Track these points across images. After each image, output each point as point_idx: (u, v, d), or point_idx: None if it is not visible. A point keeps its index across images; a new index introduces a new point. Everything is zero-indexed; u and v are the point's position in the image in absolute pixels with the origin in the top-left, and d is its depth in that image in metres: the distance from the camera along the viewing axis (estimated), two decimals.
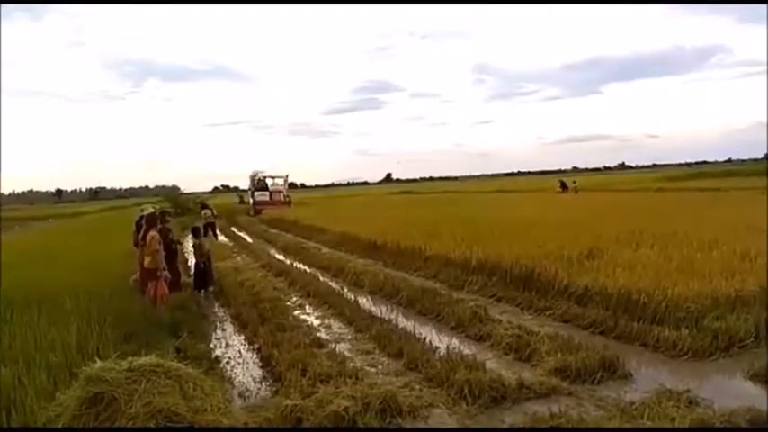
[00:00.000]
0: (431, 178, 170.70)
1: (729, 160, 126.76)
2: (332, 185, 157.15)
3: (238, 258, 15.59)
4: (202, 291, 10.65)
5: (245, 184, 45.72)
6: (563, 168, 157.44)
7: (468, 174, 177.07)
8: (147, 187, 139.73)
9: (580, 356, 5.49)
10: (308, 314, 8.72)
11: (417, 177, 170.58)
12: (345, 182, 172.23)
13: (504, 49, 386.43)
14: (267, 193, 37.33)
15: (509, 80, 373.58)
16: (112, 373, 4.21)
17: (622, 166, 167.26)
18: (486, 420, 4.61)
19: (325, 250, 15.71)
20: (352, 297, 9.33)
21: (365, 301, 9.23)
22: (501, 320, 7.21)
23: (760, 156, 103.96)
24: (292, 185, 47.51)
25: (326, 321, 8.13)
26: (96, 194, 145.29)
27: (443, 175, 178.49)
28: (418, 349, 6.13)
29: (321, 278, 11.51)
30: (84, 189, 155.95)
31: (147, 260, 8.82)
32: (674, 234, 10.83)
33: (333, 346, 6.67)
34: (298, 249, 16.47)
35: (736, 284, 6.90)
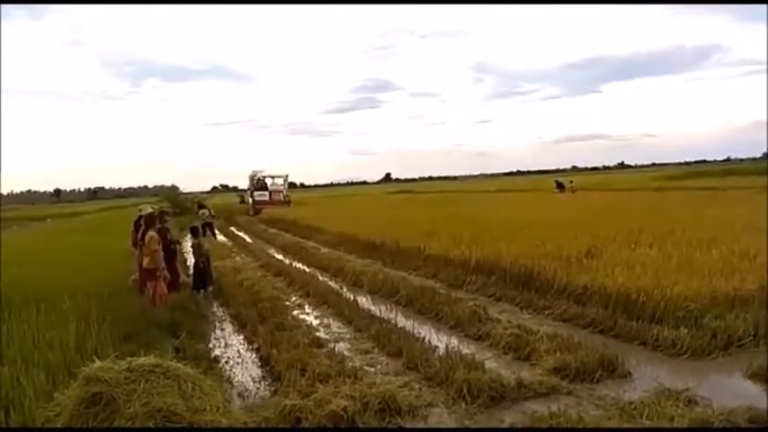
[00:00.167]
0: (430, 178, 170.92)
1: (728, 159, 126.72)
2: (331, 185, 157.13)
3: (237, 258, 15.57)
4: (201, 290, 10.64)
5: (244, 183, 45.90)
6: (562, 168, 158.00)
7: (467, 173, 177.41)
8: (146, 187, 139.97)
9: (579, 356, 5.49)
10: (307, 314, 8.71)
11: (416, 177, 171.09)
12: (344, 181, 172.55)
13: (504, 49, 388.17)
14: (267, 192, 37.33)
15: (508, 79, 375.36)
16: (111, 372, 4.21)
17: (621, 166, 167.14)
18: (486, 420, 4.60)
19: (324, 250, 15.70)
20: (352, 297, 9.32)
21: (364, 301, 9.23)
22: (500, 320, 7.21)
23: (759, 155, 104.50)
24: (292, 185, 47.43)
25: (325, 321, 8.13)
26: (95, 194, 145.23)
27: (442, 174, 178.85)
28: (417, 349, 6.12)
29: (320, 278, 11.50)
30: (82, 189, 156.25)
31: (145, 260, 8.84)
32: (672, 233, 10.83)
33: (332, 345, 6.67)
34: (297, 249, 16.47)
35: (736, 283, 6.91)
